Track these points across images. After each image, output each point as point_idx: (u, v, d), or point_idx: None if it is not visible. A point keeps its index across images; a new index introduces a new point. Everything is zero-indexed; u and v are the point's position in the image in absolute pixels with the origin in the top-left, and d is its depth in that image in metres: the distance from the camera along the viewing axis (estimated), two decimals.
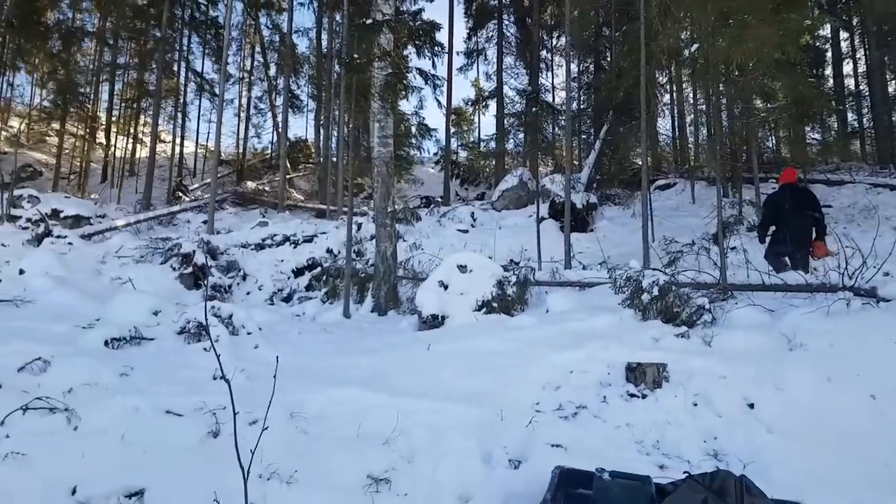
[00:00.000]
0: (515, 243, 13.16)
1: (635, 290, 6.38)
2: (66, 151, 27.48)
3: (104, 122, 29.53)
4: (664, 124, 20.98)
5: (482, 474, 3.89)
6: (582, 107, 22.12)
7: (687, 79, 18.41)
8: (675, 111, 21.17)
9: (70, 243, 13.31)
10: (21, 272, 9.68)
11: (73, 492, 3.44)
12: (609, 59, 20.09)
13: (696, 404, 4.65)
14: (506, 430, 4.35)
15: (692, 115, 20.23)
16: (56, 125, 26.84)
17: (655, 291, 6.16)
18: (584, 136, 20.68)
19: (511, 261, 12.56)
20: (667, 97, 20.94)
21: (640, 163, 12.48)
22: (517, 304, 7.64)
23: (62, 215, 16.22)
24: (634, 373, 4.90)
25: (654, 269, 7.18)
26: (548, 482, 3.39)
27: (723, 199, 8.44)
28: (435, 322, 7.59)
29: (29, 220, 14.72)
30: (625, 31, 16.83)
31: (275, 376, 2.58)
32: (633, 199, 15.49)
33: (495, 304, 7.48)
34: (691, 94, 20.00)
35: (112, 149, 29.04)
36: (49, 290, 8.75)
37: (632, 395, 4.79)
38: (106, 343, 6.23)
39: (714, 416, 4.53)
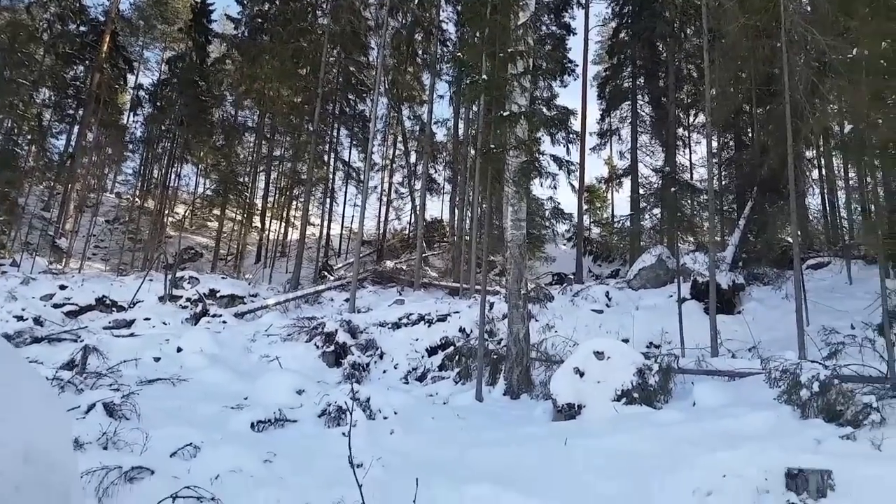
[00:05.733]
0: (655, 326, 12.64)
1: (792, 384, 5.93)
2: (225, 235, 30.41)
3: (260, 208, 32.38)
4: (813, 200, 19.59)
5: None
6: (723, 183, 21.32)
7: (836, 153, 17.28)
8: (825, 186, 19.81)
9: (224, 322, 14.53)
10: (179, 350, 10.62)
11: None
12: (751, 134, 19.34)
13: None
14: None
15: (844, 191, 18.84)
16: (217, 211, 29.97)
17: (816, 387, 5.69)
18: (726, 213, 19.81)
19: (651, 343, 12.09)
20: (815, 172, 19.68)
21: (790, 240, 11.69)
22: (660, 394, 7.32)
23: (218, 295, 17.79)
24: (796, 480, 4.50)
25: (812, 362, 6.64)
26: None
27: (886, 281, 7.68)
28: (571, 412, 7.40)
29: (189, 299, 16.30)
30: (769, 108, 16.20)
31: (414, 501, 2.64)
32: (783, 280, 14.43)
33: (636, 395, 7.19)
34: (842, 169, 18.69)
35: (266, 232, 31.73)
36: (203, 369, 9.54)
37: None
38: (252, 426, 6.63)
39: None
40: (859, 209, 16.86)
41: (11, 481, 1.09)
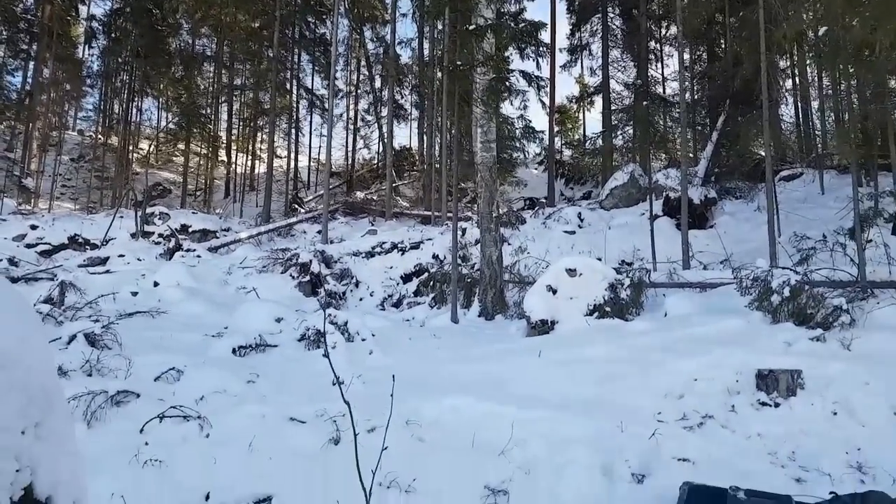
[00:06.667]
0: (627, 244, 12.70)
1: (763, 291, 5.96)
2: (192, 169, 29.66)
3: (225, 141, 31.50)
4: (787, 111, 19.46)
5: (605, 488, 3.74)
6: (696, 97, 21.08)
7: (811, 61, 17.08)
8: (799, 96, 19.67)
9: (198, 256, 14.33)
10: (155, 284, 10.46)
11: (207, 497, 3.64)
12: (724, 45, 19.01)
13: (835, 413, 4.29)
14: (627, 441, 4.17)
15: (818, 100, 18.74)
16: (181, 145, 29.09)
17: (786, 292, 5.72)
18: (699, 128, 19.69)
19: (623, 262, 12.14)
20: (788, 82, 19.48)
21: (763, 153, 11.64)
22: (632, 308, 7.36)
23: (190, 230, 17.50)
24: (766, 380, 4.57)
25: (783, 268, 6.68)
26: (675, 499, 3.21)
27: (858, 188, 7.68)
28: (544, 328, 7.45)
29: (161, 235, 16.02)
30: (742, 16, 15.84)
31: (392, 395, 2.59)
32: (755, 192, 14.49)
33: (608, 309, 7.23)
34: (816, 77, 18.54)
35: (233, 165, 31.01)
36: (181, 301, 9.41)
37: (763, 404, 4.47)
38: (233, 351, 6.62)
39: (857, 425, 4.17)
40: (833, 117, 16.82)
41: None
